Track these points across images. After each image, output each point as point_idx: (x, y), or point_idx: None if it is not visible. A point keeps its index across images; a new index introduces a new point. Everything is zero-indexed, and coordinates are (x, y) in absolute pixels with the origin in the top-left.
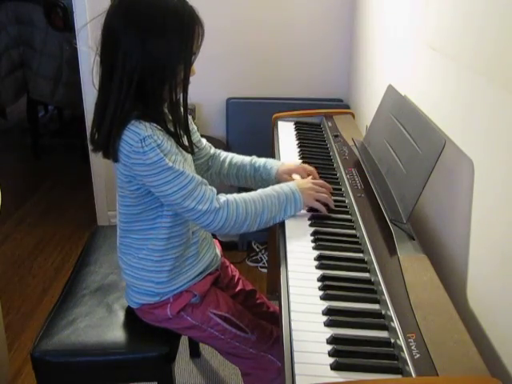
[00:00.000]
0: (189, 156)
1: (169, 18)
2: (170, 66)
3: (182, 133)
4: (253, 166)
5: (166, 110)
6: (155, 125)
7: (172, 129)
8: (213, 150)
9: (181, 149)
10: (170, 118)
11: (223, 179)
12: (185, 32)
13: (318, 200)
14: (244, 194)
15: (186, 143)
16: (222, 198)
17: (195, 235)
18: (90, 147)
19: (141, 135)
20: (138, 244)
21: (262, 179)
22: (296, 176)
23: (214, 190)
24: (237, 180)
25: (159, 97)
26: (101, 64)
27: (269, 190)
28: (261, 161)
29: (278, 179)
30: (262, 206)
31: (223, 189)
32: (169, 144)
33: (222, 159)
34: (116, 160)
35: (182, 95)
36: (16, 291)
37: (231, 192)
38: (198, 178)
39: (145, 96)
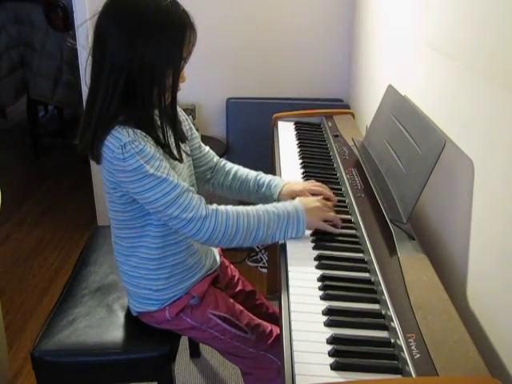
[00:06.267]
0: (180, 164)
1: (159, 20)
2: (157, 68)
3: (170, 140)
4: (257, 181)
5: (157, 117)
6: (139, 131)
7: (161, 135)
8: (216, 158)
9: (168, 157)
10: (159, 123)
11: (225, 191)
12: (174, 35)
13: (325, 220)
14: (239, 207)
15: (175, 151)
16: (212, 206)
17: (196, 243)
18: (78, 147)
19: (122, 141)
20: (128, 251)
21: (264, 196)
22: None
23: (202, 198)
24: (239, 194)
25: (148, 100)
26: (91, 64)
27: (270, 206)
28: (266, 177)
29: (281, 199)
30: (258, 222)
31: (224, 202)
32: (152, 149)
33: (226, 170)
34: (99, 162)
35: (171, 103)
36: (16, 291)
37: (231, 205)
38: (184, 185)
39: (133, 99)
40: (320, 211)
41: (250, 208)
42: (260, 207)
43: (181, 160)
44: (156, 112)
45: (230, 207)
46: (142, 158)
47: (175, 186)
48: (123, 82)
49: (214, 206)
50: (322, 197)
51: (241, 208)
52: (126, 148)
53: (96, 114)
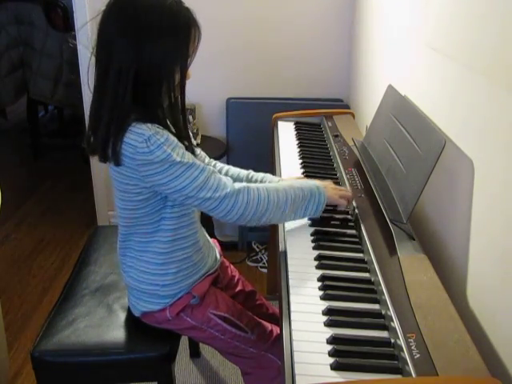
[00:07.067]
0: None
1: (164, 19)
2: (165, 67)
3: (181, 135)
4: (249, 179)
5: (165, 114)
6: (156, 125)
7: (173, 130)
8: (207, 160)
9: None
10: (169, 121)
11: None
12: (180, 33)
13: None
14: (264, 184)
15: (187, 144)
16: (241, 184)
17: (201, 240)
18: (87, 150)
19: (145, 135)
20: (141, 247)
21: None
22: None
23: (230, 178)
24: None
25: (157, 99)
26: (96, 64)
27: (293, 181)
28: (258, 175)
29: None
30: (286, 197)
31: None
32: (174, 138)
33: (217, 170)
34: (118, 164)
35: (179, 98)
36: (16, 291)
37: None
38: (210, 168)
39: (142, 98)
40: (335, 189)
41: (274, 184)
42: (285, 183)
43: (194, 153)
44: (164, 110)
45: (258, 184)
46: (168, 147)
47: (202, 170)
48: (132, 83)
49: (244, 183)
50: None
51: (266, 184)
52: (150, 141)
53: (106, 115)
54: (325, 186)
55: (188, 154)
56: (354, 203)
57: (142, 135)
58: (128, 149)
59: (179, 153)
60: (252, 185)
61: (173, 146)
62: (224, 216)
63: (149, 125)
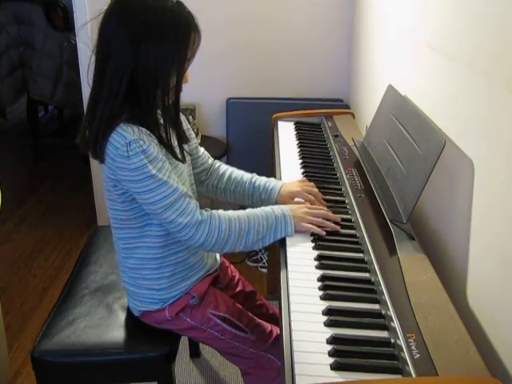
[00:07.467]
0: (181, 164)
1: (163, 21)
2: (161, 69)
3: (173, 140)
4: (252, 184)
5: (159, 116)
6: (144, 129)
7: (164, 135)
8: (211, 160)
9: (170, 156)
10: (162, 122)
11: (219, 194)
12: (179, 36)
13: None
14: (230, 212)
15: (178, 151)
16: (206, 212)
17: None
18: (80, 145)
19: (127, 139)
20: (125, 253)
21: (260, 199)
22: (298, 200)
23: (197, 203)
24: (233, 196)
25: (152, 100)
26: (95, 63)
27: (259, 210)
28: (261, 180)
29: (280, 201)
30: (248, 227)
31: (220, 205)
32: (156, 150)
33: (221, 172)
34: (102, 161)
35: (174, 103)
36: (16, 291)
37: (228, 209)
38: (183, 189)
39: (137, 99)
40: (307, 214)
41: (240, 213)
42: (250, 212)
43: (183, 160)
44: (159, 112)
45: (222, 212)
46: (145, 158)
47: (174, 190)
48: (127, 82)
49: (208, 211)
50: (308, 204)
51: (232, 213)
52: (131, 146)
53: (99, 112)
54: (295, 211)
55: (166, 170)
56: (354, 204)
57: (125, 138)
58: (111, 149)
59: (157, 166)
60: (216, 213)
61: (151, 157)
62: (186, 241)
63: (135, 128)
